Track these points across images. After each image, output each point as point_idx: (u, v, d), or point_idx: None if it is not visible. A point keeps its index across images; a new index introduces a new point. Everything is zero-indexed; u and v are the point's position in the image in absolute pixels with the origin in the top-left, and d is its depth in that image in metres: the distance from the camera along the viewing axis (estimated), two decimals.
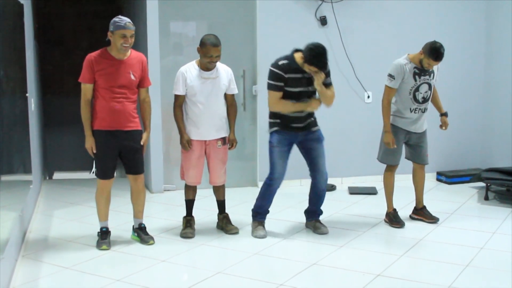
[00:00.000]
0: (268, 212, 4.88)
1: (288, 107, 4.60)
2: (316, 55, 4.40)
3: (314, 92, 4.65)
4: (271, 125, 4.72)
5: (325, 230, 4.86)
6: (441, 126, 5.29)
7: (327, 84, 4.61)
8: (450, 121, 5.26)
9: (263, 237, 4.73)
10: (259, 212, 4.86)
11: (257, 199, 4.86)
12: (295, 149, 4.79)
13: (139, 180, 4.62)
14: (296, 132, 4.68)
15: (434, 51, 4.72)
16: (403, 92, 4.90)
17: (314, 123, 4.77)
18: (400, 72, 4.84)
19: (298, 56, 4.53)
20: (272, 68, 4.59)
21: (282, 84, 4.55)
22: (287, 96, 4.59)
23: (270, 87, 4.61)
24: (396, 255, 4.33)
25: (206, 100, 4.68)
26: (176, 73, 4.74)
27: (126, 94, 4.42)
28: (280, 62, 4.57)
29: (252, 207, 4.89)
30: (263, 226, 4.82)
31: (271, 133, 4.72)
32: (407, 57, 4.92)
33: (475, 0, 6.91)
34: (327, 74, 4.60)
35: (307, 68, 4.47)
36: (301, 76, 4.56)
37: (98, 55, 4.39)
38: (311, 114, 4.74)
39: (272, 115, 4.70)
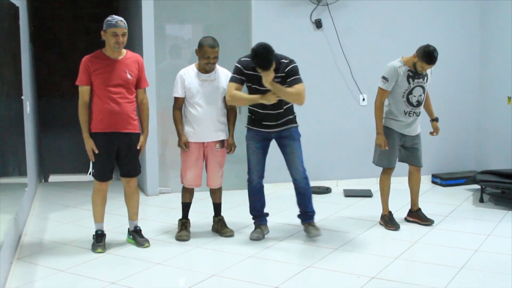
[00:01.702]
0: (262, 214, 4.88)
1: (242, 100, 4.60)
2: (255, 55, 4.37)
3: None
4: (247, 120, 4.77)
5: (316, 233, 4.72)
6: (431, 133, 5.30)
7: (292, 82, 4.48)
8: (445, 123, 5.27)
9: (257, 239, 4.73)
10: (253, 214, 4.88)
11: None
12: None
13: (132, 181, 4.62)
14: (269, 129, 4.64)
15: (428, 55, 4.73)
16: (397, 95, 4.92)
17: (290, 121, 4.67)
18: (394, 74, 4.85)
19: None
20: (236, 64, 4.63)
21: (241, 77, 4.56)
22: (254, 93, 4.58)
23: (230, 79, 4.63)
24: (391, 257, 4.34)
25: (204, 102, 4.69)
26: (176, 76, 4.77)
27: (124, 94, 4.41)
28: (242, 59, 4.62)
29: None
30: (260, 229, 4.81)
31: (247, 129, 4.76)
32: (401, 60, 4.93)
33: (470, 1, 6.95)
34: (293, 73, 4.49)
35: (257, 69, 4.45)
36: (258, 74, 4.49)
37: (93, 56, 4.41)
38: (285, 113, 4.62)
39: (248, 110, 4.73)
